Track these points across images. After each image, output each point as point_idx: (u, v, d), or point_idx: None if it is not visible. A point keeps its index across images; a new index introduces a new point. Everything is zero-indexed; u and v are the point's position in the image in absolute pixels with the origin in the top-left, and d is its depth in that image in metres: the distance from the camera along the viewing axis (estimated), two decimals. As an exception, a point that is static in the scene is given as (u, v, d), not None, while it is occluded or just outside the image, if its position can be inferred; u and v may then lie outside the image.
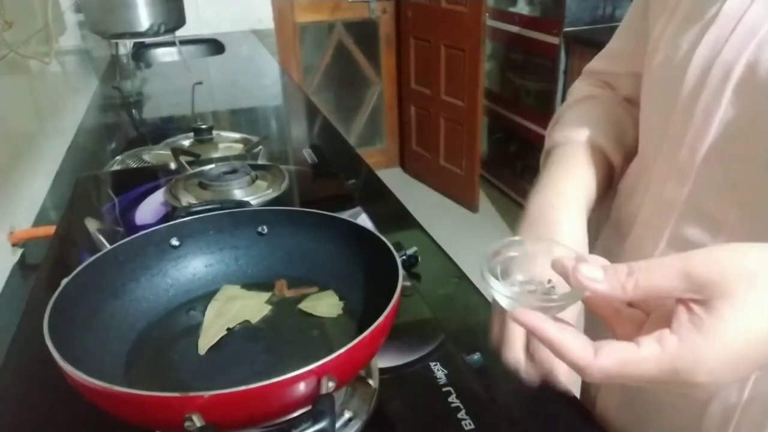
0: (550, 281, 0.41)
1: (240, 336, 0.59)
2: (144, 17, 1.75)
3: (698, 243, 0.49)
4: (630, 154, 0.63)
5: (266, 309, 0.63)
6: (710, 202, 0.48)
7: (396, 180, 3.51)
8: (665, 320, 0.35)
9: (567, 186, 0.59)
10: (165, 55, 2.47)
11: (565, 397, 0.62)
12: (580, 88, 0.72)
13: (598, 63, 0.71)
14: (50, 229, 0.95)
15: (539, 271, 0.42)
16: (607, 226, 0.66)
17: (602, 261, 0.37)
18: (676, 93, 0.50)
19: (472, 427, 0.53)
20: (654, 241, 0.53)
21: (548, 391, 0.63)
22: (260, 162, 1.13)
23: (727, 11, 0.46)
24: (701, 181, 0.49)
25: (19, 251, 1.00)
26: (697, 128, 0.48)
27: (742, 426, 0.49)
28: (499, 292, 0.39)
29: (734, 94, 0.46)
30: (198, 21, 2.60)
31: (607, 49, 0.70)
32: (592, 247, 0.71)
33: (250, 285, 0.66)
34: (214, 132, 1.35)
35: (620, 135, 0.64)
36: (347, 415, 0.54)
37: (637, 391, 0.60)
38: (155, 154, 1.26)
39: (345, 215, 0.66)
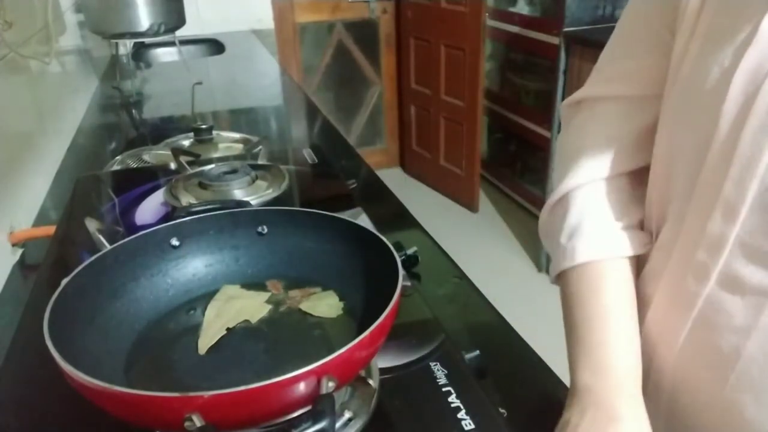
0: None
1: (240, 336, 0.59)
2: (144, 17, 1.75)
3: (755, 282, 0.46)
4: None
5: (266, 309, 0.63)
6: (766, 238, 0.44)
7: (396, 180, 3.51)
8: None
9: (616, 355, 0.53)
10: (165, 55, 2.47)
11: (565, 399, 0.62)
12: (582, 125, 0.61)
13: (591, 89, 0.61)
14: (50, 229, 0.95)
15: None
16: None
17: None
18: (713, 122, 0.45)
19: (472, 427, 0.53)
20: (700, 281, 0.49)
21: (548, 391, 0.63)
22: (260, 162, 1.13)
23: (765, 30, 0.42)
24: (754, 217, 0.44)
25: (19, 251, 1.00)
26: (745, 160, 0.44)
27: None
28: None
29: None
30: (198, 21, 2.60)
31: (602, 76, 0.60)
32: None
33: (250, 285, 0.66)
34: (214, 132, 1.35)
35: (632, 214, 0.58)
36: (347, 415, 0.54)
37: (683, 426, 0.57)
38: (155, 154, 1.26)
39: (345, 215, 0.66)
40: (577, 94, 0.62)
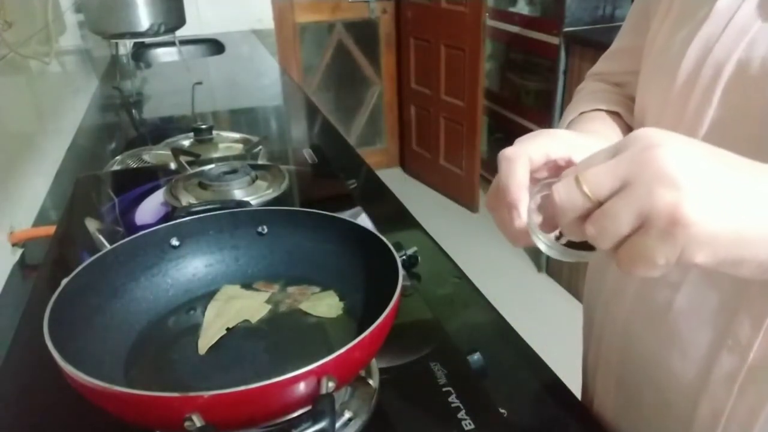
0: None
1: (240, 336, 0.59)
2: (144, 17, 1.75)
3: None
4: None
5: (266, 309, 0.63)
6: None
7: (396, 180, 3.51)
8: None
9: (592, 126, 0.59)
10: (165, 55, 2.47)
11: (565, 397, 0.62)
12: (585, 86, 0.71)
13: (599, 65, 0.71)
14: (50, 229, 0.95)
15: None
16: None
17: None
18: (668, 90, 0.50)
19: (472, 427, 0.53)
20: None
21: (548, 391, 0.63)
22: (260, 162, 1.13)
23: (718, 10, 0.47)
24: None
25: (19, 251, 1.00)
26: (688, 127, 0.49)
27: (730, 427, 0.49)
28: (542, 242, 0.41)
29: (725, 92, 0.46)
30: (198, 21, 2.60)
31: (608, 51, 0.70)
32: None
33: (250, 285, 0.66)
34: (214, 132, 1.34)
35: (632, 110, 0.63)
36: (347, 415, 0.54)
37: (632, 394, 0.59)
38: (155, 154, 1.26)
39: (345, 215, 0.66)
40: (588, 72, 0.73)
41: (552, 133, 0.45)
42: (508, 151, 0.43)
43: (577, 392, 0.63)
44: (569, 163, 0.43)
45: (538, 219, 0.42)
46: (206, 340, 0.58)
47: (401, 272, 0.54)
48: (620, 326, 0.59)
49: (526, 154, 0.43)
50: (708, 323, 0.49)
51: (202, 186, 0.96)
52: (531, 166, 0.42)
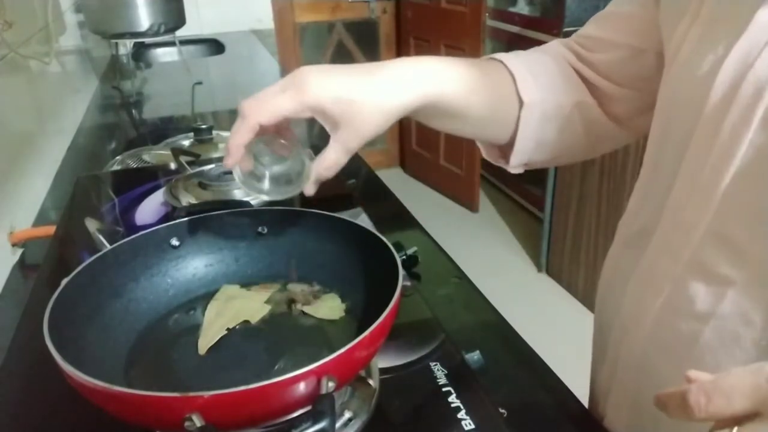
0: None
1: (240, 336, 0.59)
2: (144, 17, 1.76)
3: (719, 271, 0.47)
4: (555, 95, 0.61)
5: (266, 309, 0.63)
6: (736, 229, 0.45)
7: (396, 180, 3.51)
8: None
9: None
10: (165, 55, 2.47)
11: (565, 399, 0.62)
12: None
13: (585, 28, 0.66)
14: (50, 229, 0.95)
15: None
16: (615, 242, 0.62)
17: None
18: (700, 107, 0.46)
19: (472, 427, 0.53)
20: (671, 264, 0.51)
21: (548, 391, 0.63)
22: (260, 162, 1.13)
23: (759, 20, 0.43)
24: (727, 206, 0.45)
25: (19, 251, 1.00)
26: (723, 149, 0.45)
27: None
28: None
29: (767, 114, 0.42)
30: (198, 21, 2.60)
31: (599, 14, 0.65)
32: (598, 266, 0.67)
33: (250, 285, 0.66)
34: (214, 132, 1.35)
35: (536, 65, 0.61)
36: (347, 415, 0.54)
37: (648, 417, 0.58)
38: (155, 154, 1.26)
39: (345, 215, 0.66)
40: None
41: (305, 84, 0.55)
42: (244, 107, 0.53)
43: (577, 392, 0.63)
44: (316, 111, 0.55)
45: (250, 166, 0.58)
46: (206, 340, 0.58)
47: (401, 272, 0.54)
48: (638, 354, 0.57)
49: (256, 119, 0.52)
50: (739, 361, 0.46)
51: (202, 186, 0.96)
52: (261, 128, 0.53)
